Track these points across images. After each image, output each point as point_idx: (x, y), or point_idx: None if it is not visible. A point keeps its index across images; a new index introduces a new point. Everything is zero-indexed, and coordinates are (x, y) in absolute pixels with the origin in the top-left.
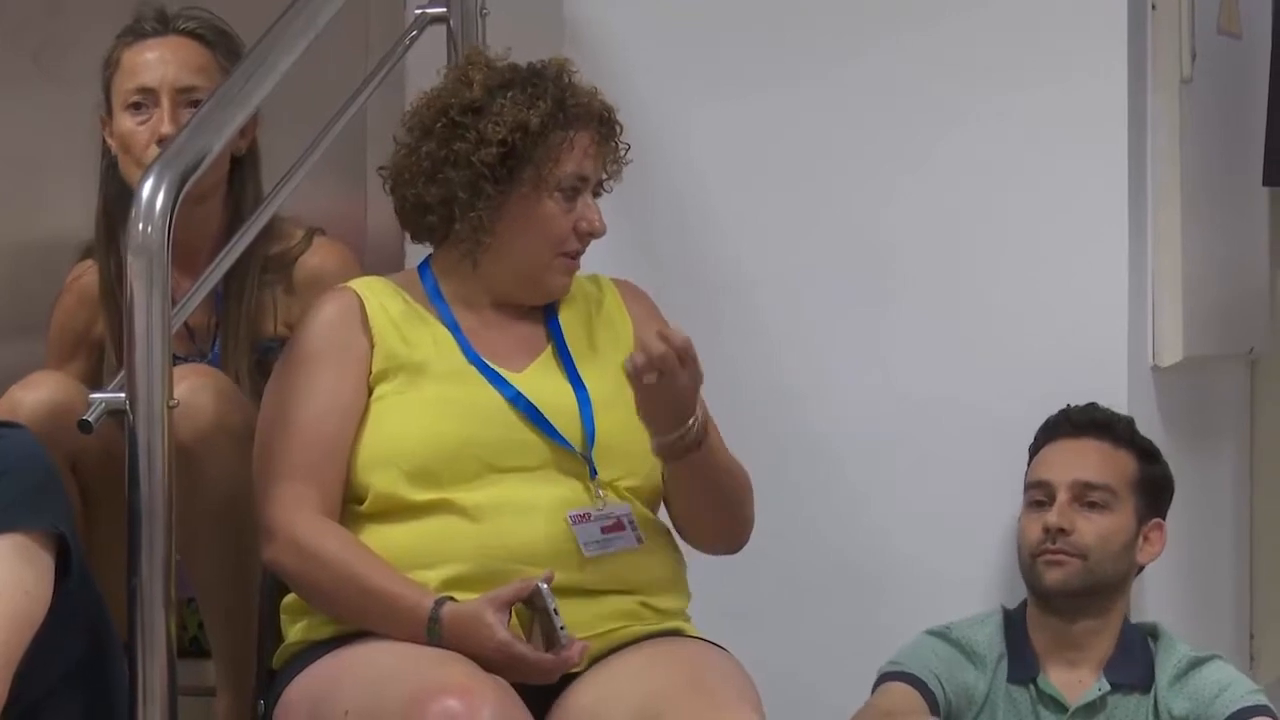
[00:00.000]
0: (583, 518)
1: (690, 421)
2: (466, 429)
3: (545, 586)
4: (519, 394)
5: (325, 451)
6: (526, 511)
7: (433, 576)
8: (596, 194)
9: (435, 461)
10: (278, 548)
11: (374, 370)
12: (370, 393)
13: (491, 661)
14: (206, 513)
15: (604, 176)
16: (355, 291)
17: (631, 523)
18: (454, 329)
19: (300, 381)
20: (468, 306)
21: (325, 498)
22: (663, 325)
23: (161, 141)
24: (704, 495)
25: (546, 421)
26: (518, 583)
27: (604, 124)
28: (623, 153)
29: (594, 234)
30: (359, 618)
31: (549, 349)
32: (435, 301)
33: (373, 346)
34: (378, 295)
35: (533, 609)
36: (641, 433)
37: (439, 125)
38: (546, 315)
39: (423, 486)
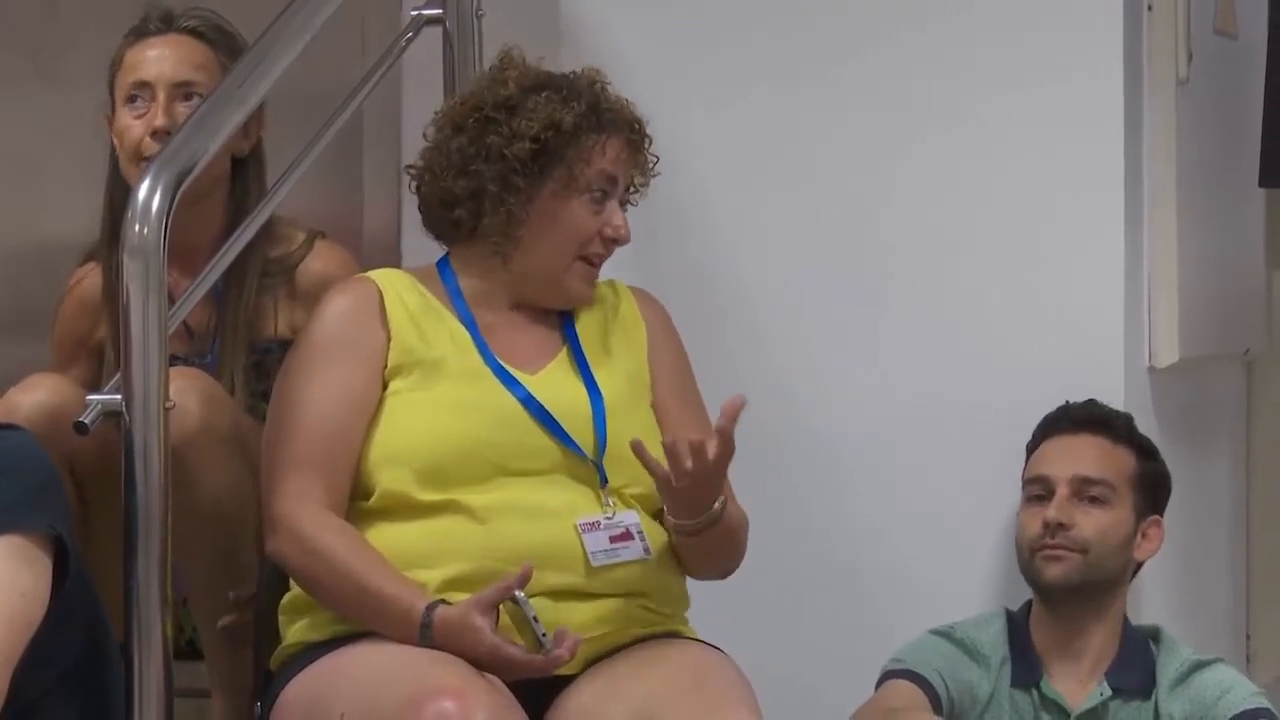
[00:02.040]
0: (592, 526)
1: (715, 505)
2: (479, 431)
3: (521, 594)
4: (531, 397)
5: (334, 445)
6: (534, 515)
7: (434, 575)
8: (623, 204)
9: (446, 462)
10: (280, 540)
11: (389, 364)
12: (384, 387)
13: (484, 663)
14: (196, 515)
15: (631, 188)
16: (375, 282)
17: (640, 533)
18: (471, 328)
19: (313, 372)
20: (486, 305)
21: (332, 491)
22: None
23: (155, 134)
24: (709, 554)
25: (559, 426)
26: (499, 582)
27: (635, 133)
28: (651, 165)
29: (619, 240)
30: (355, 615)
31: (564, 351)
32: (454, 298)
33: (389, 340)
34: (397, 288)
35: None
36: (651, 440)
37: (471, 121)
38: (563, 318)
39: (431, 487)
